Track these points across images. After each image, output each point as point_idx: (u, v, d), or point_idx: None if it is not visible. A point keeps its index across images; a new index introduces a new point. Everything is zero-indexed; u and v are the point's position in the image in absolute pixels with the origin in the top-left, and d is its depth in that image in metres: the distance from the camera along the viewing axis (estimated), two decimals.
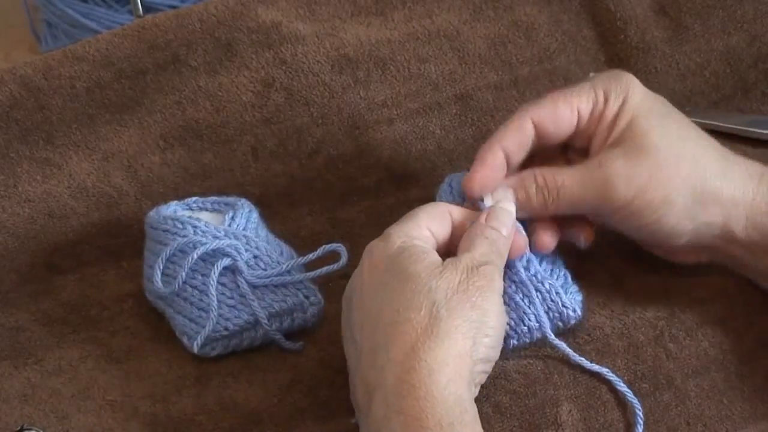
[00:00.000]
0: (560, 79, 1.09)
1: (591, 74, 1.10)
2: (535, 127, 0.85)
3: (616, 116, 0.85)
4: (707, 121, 1.08)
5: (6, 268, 0.96)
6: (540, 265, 0.87)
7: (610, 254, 0.94)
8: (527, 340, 0.85)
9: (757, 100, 1.13)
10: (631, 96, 0.85)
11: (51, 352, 0.89)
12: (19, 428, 0.81)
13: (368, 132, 1.04)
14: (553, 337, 0.83)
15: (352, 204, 1.02)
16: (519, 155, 0.86)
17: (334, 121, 1.03)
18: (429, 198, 1.02)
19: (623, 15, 1.11)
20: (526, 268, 0.86)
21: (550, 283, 0.86)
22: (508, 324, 0.85)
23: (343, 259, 0.88)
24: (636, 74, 1.10)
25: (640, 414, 0.83)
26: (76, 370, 0.88)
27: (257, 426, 0.83)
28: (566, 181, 0.84)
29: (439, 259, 0.79)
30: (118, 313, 0.93)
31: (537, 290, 0.86)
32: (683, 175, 0.83)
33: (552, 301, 0.86)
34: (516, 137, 0.85)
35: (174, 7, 1.19)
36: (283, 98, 1.03)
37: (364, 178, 1.03)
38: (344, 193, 1.03)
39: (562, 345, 0.84)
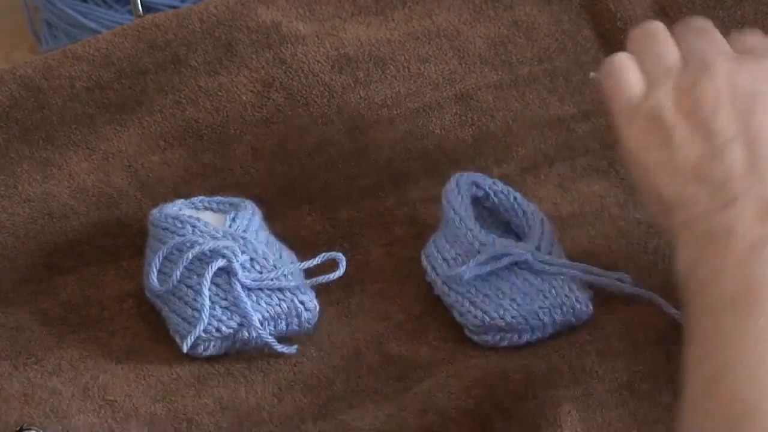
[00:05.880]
0: (560, 79, 1.09)
1: (591, 74, 1.10)
2: None
3: None
4: None
5: (6, 268, 0.96)
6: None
7: (611, 255, 0.94)
8: (540, 335, 0.85)
9: None
10: None
11: (51, 352, 0.89)
12: (19, 428, 0.81)
13: (368, 132, 1.04)
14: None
15: (352, 204, 1.02)
16: None
17: (334, 121, 1.03)
18: (429, 198, 1.02)
19: (623, 15, 1.11)
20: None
21: (562, 278, 0.86)
22: (523, 318, 0.85)
23: (341, 269, 0.88)
24: None
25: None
26: (76, 370, 0.87)
27: (257, 426, 0.83)
28: None
29: None
30: (118, 313, 0.93)
31: (551, 285, 0.86)
32: None
33: (566, 296, 0.86)
34: None
35: (174, 7, 1.19)
36: (282, 98, 1.03)
37: (364, 178, 1.03)
38: (344, 193, 1.03)
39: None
